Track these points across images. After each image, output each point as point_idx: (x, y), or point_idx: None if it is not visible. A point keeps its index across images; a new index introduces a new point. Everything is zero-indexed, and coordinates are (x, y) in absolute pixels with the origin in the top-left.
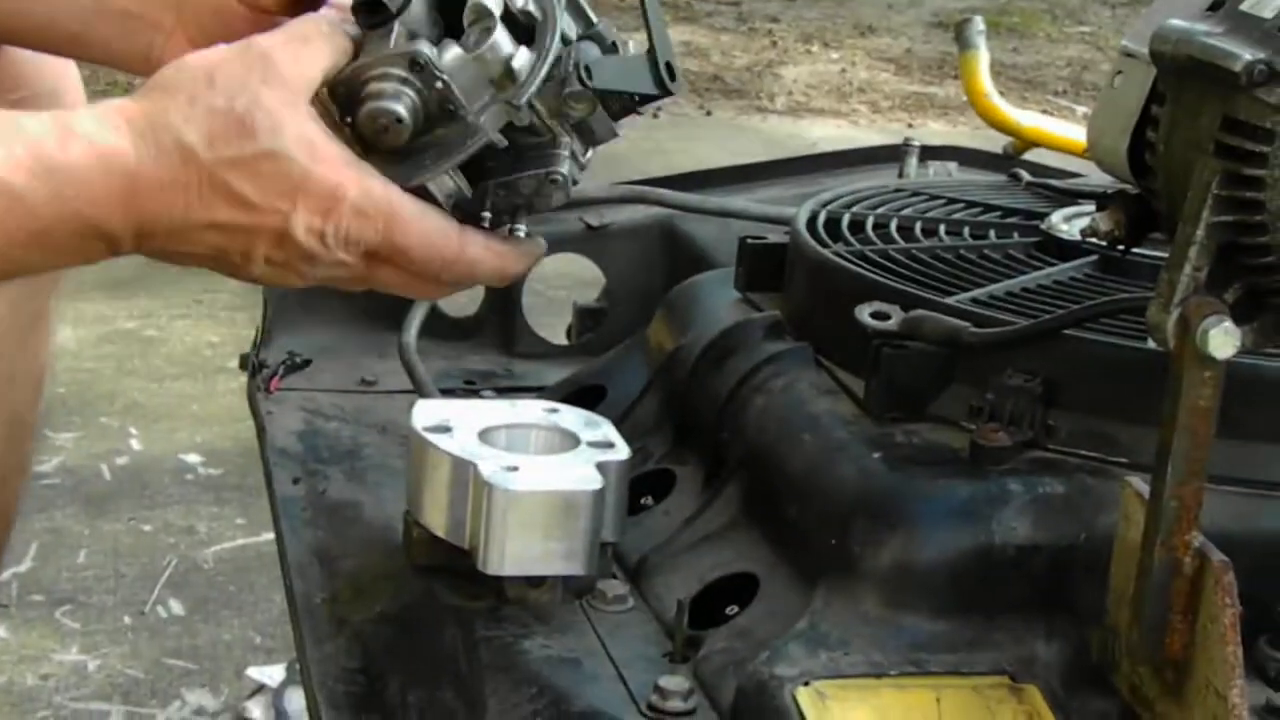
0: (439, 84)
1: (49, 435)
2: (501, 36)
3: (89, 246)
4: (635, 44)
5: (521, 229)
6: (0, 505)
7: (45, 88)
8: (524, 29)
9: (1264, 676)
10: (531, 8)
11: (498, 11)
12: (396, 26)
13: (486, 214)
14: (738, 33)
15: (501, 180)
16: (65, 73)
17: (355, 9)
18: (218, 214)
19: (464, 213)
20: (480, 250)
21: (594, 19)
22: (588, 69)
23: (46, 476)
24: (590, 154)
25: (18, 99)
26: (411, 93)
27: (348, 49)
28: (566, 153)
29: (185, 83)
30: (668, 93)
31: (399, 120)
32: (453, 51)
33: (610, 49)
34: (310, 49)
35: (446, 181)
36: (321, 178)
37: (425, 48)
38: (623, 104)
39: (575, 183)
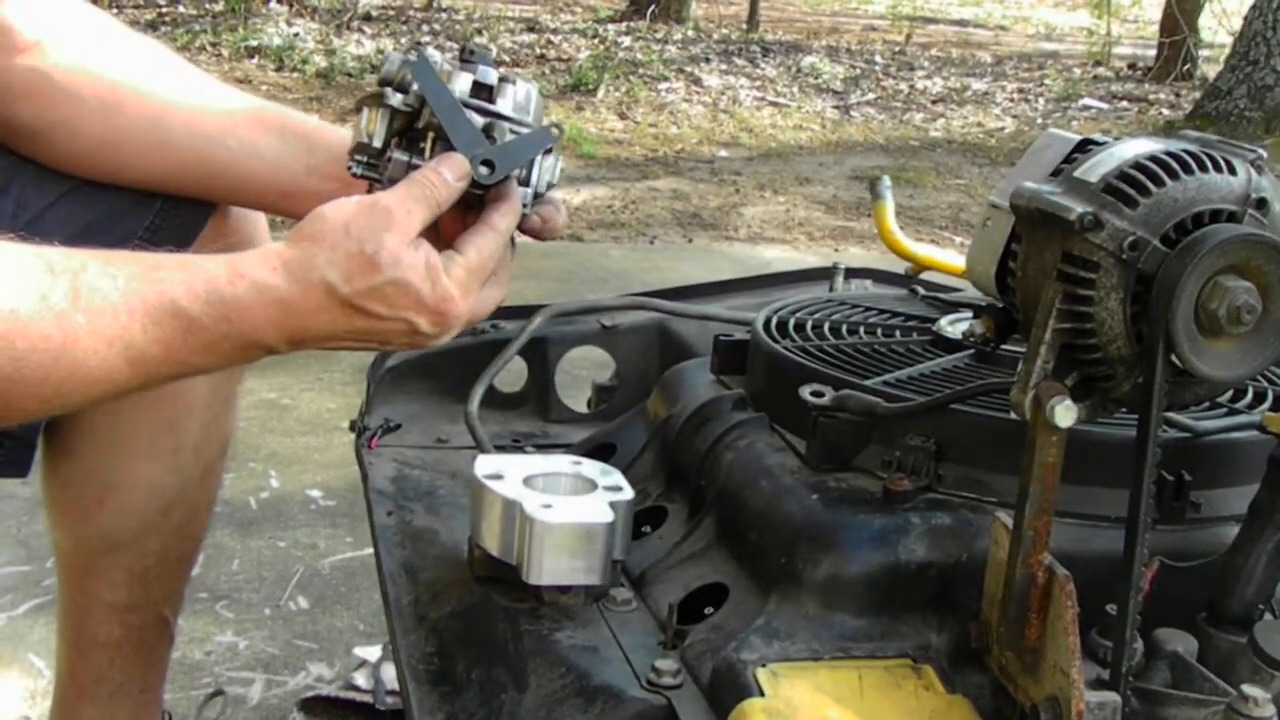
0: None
1: None
2: (460, 75)
3: (250, 353)
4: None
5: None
6: (194, 529)
7: (245, 234)
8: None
9: (1095, 658)
10: (502, 103)
11: (477, 76)
12: None
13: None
14: (711, 183)
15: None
16: (258, 221)
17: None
18: (356, 324)
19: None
20: (500, 219)
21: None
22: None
23: None
24: None
25: (225, 244)
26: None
27: (437, 211)
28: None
29: (327, 233)
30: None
31: None
32: (436, 56)
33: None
34: (417, 206)
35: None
36: (432, 290)
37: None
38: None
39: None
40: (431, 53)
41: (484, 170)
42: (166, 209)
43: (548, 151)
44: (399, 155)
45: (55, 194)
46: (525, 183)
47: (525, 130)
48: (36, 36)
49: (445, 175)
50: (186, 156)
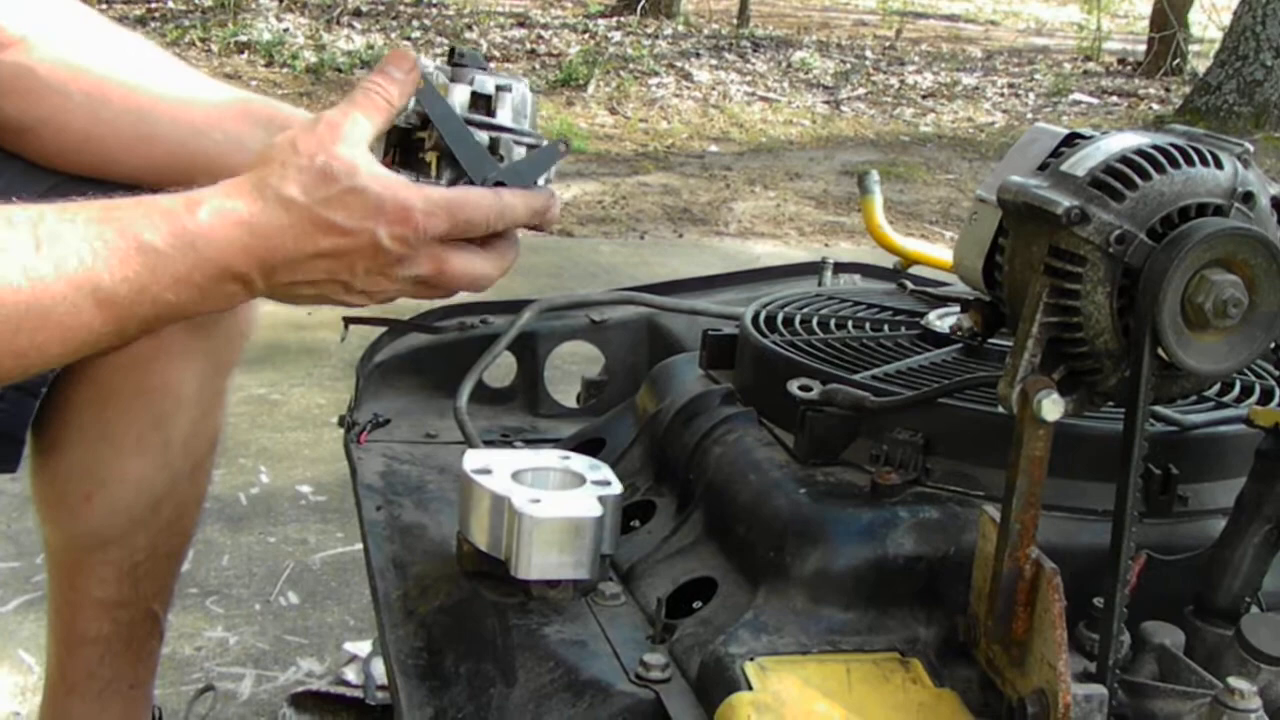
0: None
1: None
2: (459, 89)
3: (228, 288)
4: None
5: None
6: (184, 524)
7: None
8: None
9: (1083, 651)
10: (503, 113)
11: (475, 87)
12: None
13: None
14: (702, 178)
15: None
16: None
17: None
18: (321, 243)
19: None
20: (513, 197)
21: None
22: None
23: None
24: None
25: None
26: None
27: (389, 112)
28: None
29: (276, 153)
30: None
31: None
32: (432, 69)
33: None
34: (363, 114)
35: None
36: (393, 197)
37: (428, 60)
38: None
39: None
40: (424, 62)
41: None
42: None
43: None
44: (405, 177)
45: (41, 190)
46: None
47: (527, 140)
48: (21, 32)
49: (392, 72)
50: (173, 150)
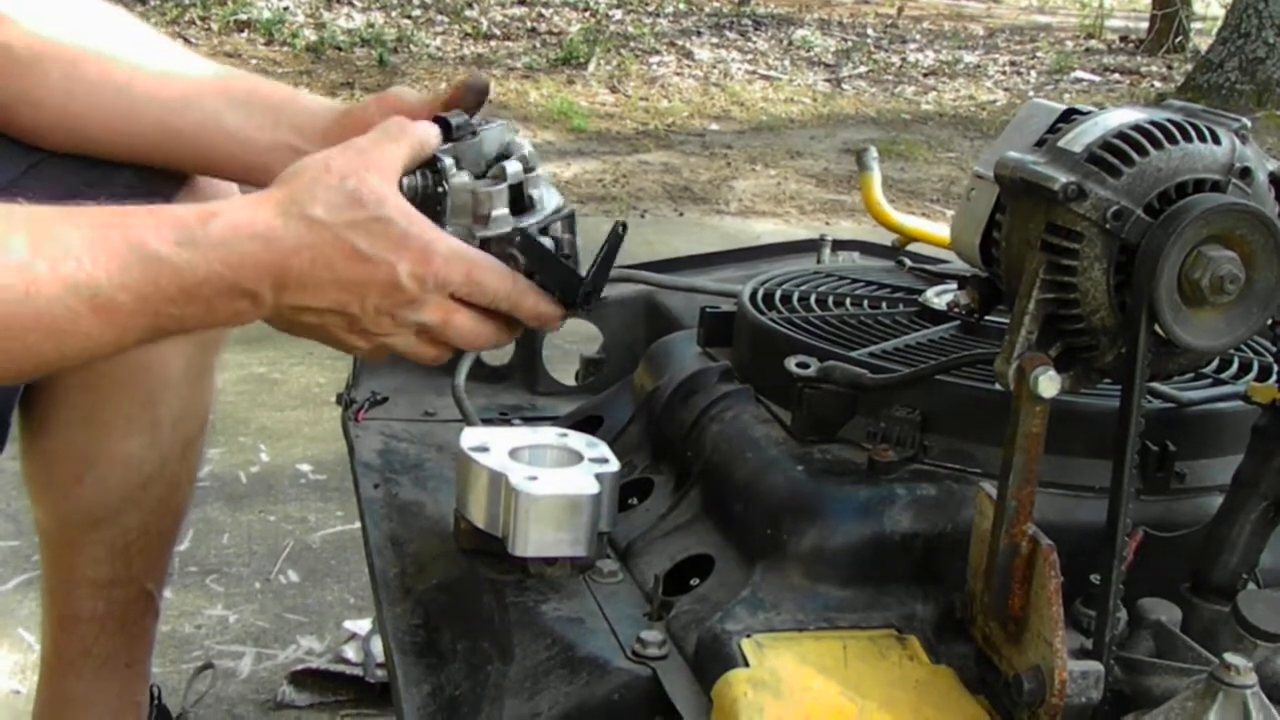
0: (440, 189)
1: None
2: (500, 192)
3: (236, 305)
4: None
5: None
6: (175, 503)
7: None
8: (521, 201)
9: (1079, 628)
10: (534, 194)
11: (509, 180)
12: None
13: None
14: (702, 156)
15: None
16: (233, 194)
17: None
18: (338, 267)
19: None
20: (526, 287)
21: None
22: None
23: (199, 481)
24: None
25: None
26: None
27: (422, 145)
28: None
29: (307, 171)
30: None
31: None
32: (463, 177)
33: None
34: (395, 145)
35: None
36: (418, 235)
37: (450, 162)
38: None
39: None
40: (458, 181)
41: (583, 299)
42: (135, 179)
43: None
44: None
45: (20, 168)
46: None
47: (564, 213)
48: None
49: (423, 128)
50: (151, 125)
